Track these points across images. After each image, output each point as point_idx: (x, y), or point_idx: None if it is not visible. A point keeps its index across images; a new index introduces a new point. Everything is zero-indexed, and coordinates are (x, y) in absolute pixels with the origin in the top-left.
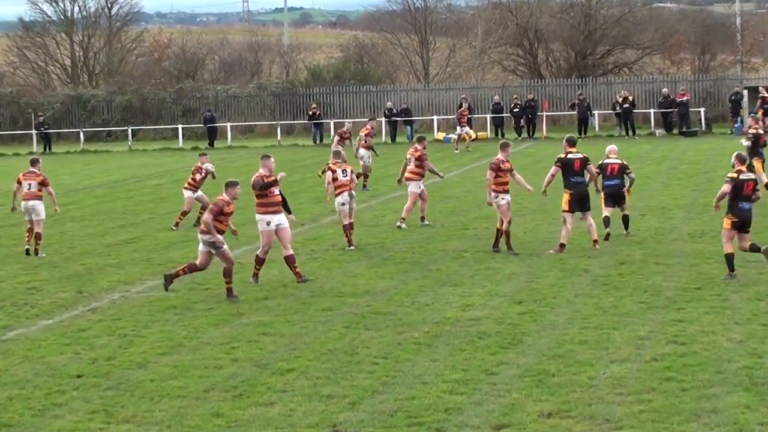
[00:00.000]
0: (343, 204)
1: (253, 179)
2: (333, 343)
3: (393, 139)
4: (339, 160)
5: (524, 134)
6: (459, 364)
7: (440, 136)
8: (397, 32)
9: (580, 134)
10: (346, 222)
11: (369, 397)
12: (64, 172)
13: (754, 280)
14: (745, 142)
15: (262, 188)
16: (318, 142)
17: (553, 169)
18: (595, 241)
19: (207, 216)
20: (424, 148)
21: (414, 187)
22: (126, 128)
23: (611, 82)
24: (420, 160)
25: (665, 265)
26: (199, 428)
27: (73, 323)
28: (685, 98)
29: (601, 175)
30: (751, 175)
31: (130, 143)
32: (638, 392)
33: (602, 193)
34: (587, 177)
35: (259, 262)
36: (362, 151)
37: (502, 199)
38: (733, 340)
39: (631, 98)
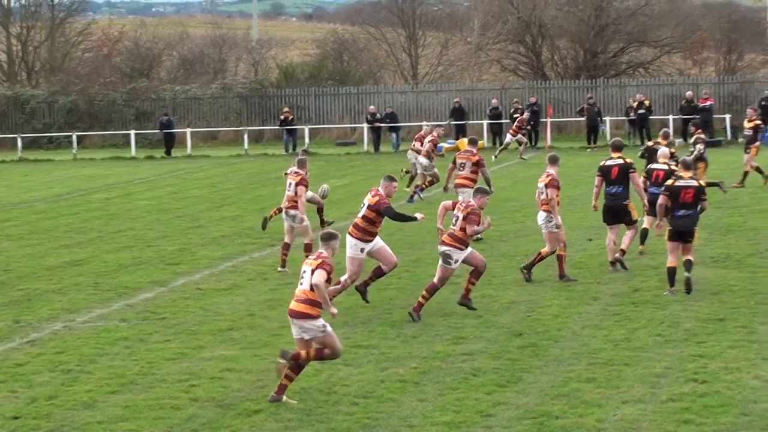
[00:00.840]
0: (285, 219)
1: (382, 202)
2: (307, 381)
3: (376, 148)
4: (294, 169)
5: None
6: (450, 405)
7: None
8: (382, 26)
9: (588, 143)
10: (286, 239)
11: None
12: None
13: None
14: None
15: (390, 217)
16: (290, 150)
17: (596, 179)
18: (612, 262)
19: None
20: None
21: (468, 195)
22: (70, 134)
23: (625, 85)
24: (478, 165)
25: (684, 293)
26: None
27: (9, 357)
28: (708, 103)
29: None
30: (692, 182)
31: (74, 151)
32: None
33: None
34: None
35: (344, 287)
36: (423, 160)
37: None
38: (760, 378)
39: (647, 103)
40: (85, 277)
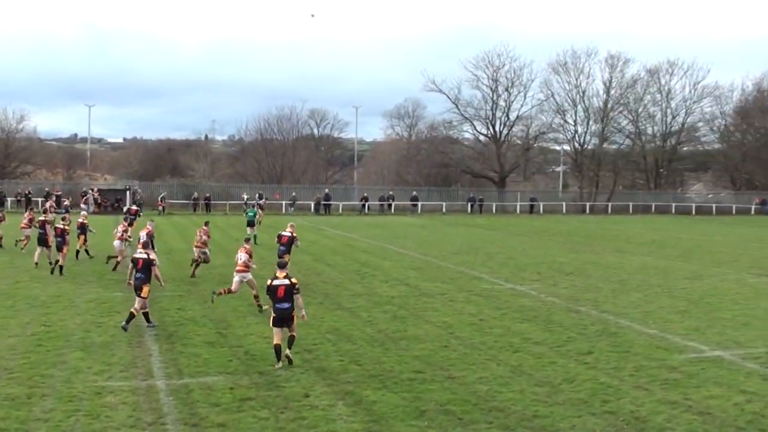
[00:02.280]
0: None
1: (149, 233)
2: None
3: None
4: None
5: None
6: (34, 343)
7: None
8: None
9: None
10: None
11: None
12: None
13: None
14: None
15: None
16: None
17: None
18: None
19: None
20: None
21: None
22: None
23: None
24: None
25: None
26: None
27: None
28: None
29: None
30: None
31: None
32: (64, 348)
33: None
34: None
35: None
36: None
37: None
38: (77, 323)
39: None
40: None
